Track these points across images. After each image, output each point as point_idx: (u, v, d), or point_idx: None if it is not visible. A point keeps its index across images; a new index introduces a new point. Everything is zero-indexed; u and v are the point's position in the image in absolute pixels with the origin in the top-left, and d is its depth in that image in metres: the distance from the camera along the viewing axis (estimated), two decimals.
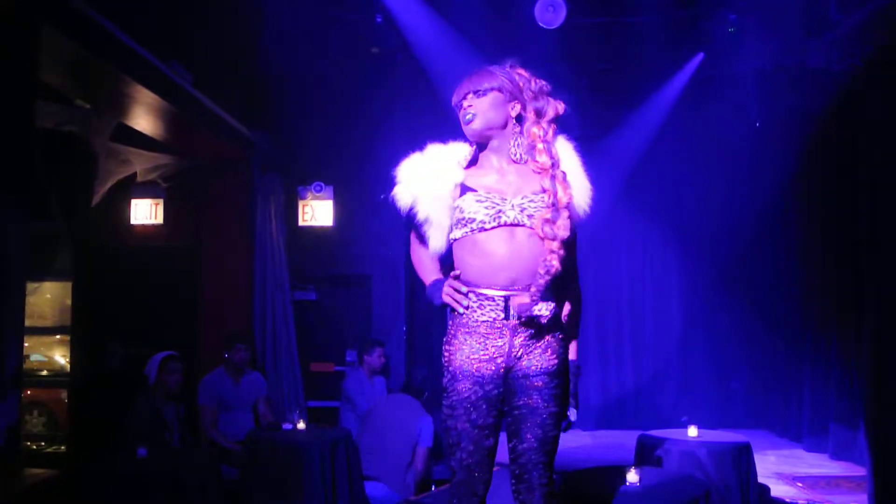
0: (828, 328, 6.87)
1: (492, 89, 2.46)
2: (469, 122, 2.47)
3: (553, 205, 2.38)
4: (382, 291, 7.24)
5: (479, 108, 2.46)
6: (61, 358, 6.88)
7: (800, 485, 5.74)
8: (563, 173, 2.45)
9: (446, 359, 2.45)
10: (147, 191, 6.92)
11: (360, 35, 6.44)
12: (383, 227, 7.05)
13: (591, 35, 6.55)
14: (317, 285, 7.28)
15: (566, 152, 2.53)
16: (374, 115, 7.16)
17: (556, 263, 2.34)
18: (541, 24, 5.89)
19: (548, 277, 2.34)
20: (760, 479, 4.96)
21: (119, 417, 4.71)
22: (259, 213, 6.71)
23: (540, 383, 2.40)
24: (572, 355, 2.60)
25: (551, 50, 6.43)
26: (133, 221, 6.96)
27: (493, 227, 2.38)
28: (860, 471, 5.69)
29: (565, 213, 2.38)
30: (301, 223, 7.09)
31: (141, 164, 6.51)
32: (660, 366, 8.34)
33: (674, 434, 4.92)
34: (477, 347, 2.39)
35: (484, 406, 2.39)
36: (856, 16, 5.43)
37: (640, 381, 8.34)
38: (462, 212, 2.41)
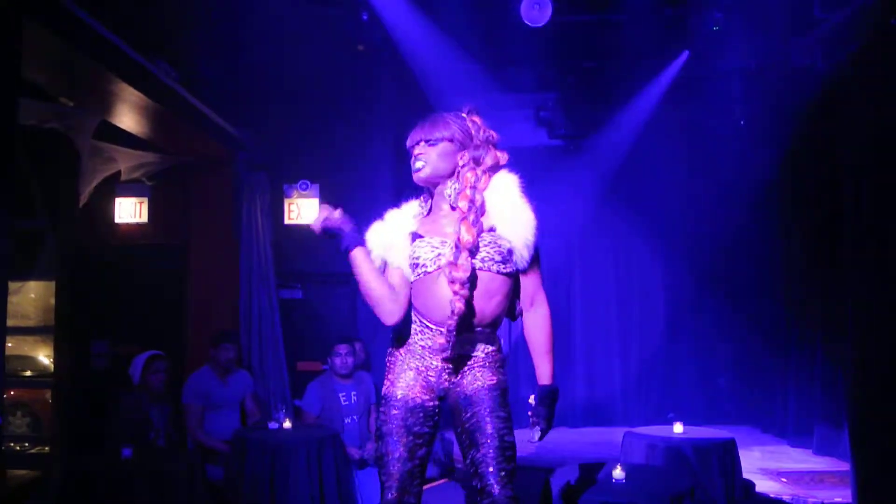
0: (813, 326, 6.92)
1: (443, 139, 2.59)
2: (417, 170, 2.61)
3: (455, 246, 2.46)
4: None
5: (428, 158, 2.59)
6: (45, 358, 6.82)
7: (784, 480, 5.78)
8: (476, 216, 2.50)
9: (390, 360, 2.63)
10: (132, 189, 6.88)
11: (346, 33, 6.42)
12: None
13: (577, 33, 6.56)
14: (303, 283, 7.26)
15: (508, 188, 2.58)
16: (360, 113, 7.15)
17: (459, 305, 2.41)
18: (526, 23, 5.90)
19: (455, 318, 2.42)
20: (745, 475, 5.00)
21: (104, 418, 4.69)
22: (245, 211, 6.68)
23: (483, 395, 2.51)
24: (546, 379, 2.63)
25: (537, 48, 6.44)
26: (118, 220, 6.92)
27: (434, 270, 2.50)
28: (844, 466, 5.73)
29: (464, 255, 2.44)
30: (287, 221, 7.07)
31: (125, 162, 6.46)
32: (646, 363, 8.38)
33: (660, 431, 4.95)
34: (418, 361, 2.56)
35: (420, 413, 2.52)
36: (839, 14, 5.47)
37: (626, 378, 8.37)
38: (413, 257, 2.56)
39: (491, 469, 2.44)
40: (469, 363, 2.55)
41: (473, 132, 2.63)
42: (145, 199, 6.92)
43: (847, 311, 5.40)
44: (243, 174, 6.76)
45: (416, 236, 2.59)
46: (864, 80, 5.13)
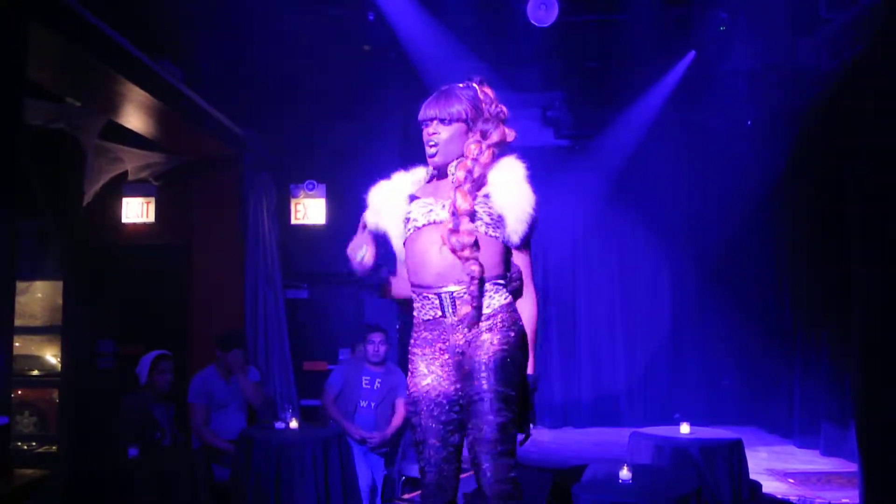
0: (818, 325, 6.90)
1: (458, 119, 2.55)
2: (432, 155, 2.60)
3: (453, 213, 2.45)
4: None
5: (441, 139, 2.56)
6: (52, 358, 6.85)
7: (791, 481, 5.76)
8: (473, 186, 2.49)
9: (409, 358, 2.60)
10: (138, 189, 6.90)
11: (352, 32, 6.43)
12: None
13: (583, 33, 6.55)
14: (309, 284, 7.26)
15: (512, 169, 2.55)
16: (367, 113, 7.15)
17: (474, 268, 2.41)
18: (533, 23, 5.89)
19: (475, 282, 2.41)
20: (752, 476, 4.99)
21: (110, 417, 4.69)
22: (251, 211, 6.69)
23: (485, 367, 2.41)
24: (529, 369, 2.53)
25: (543, 48, 6.43)
26: (124, 220, 6.94)
27: (424, 225, 2.52)
28: (851, 467, 5.71)
29: (465, 220, 2.43)
30: (293, 221, 7.07)
31: (132, 162, 6.48)
32: (651, 363, 8.37)
33: (666, 431, 4.94)
34: (428, 346, 2.53)
35: (444, 402, 2.48)
36: (845, 14, 5.45)
37: (632, 378, 8.36)
38: (406, 214, 2.60)
39: (482, 454, 2.37)
40: (476, 327, 2.46)
41: (485, 106, 2.59)
42: (152, 199, 6.93)
43: (853, 310, 5.38)
44: (249, 174, 6.77)
45: (412, 198, 2.62)
46: (869, 79, 5.11)
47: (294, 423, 4.78)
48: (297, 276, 7.15)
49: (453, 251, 2.42)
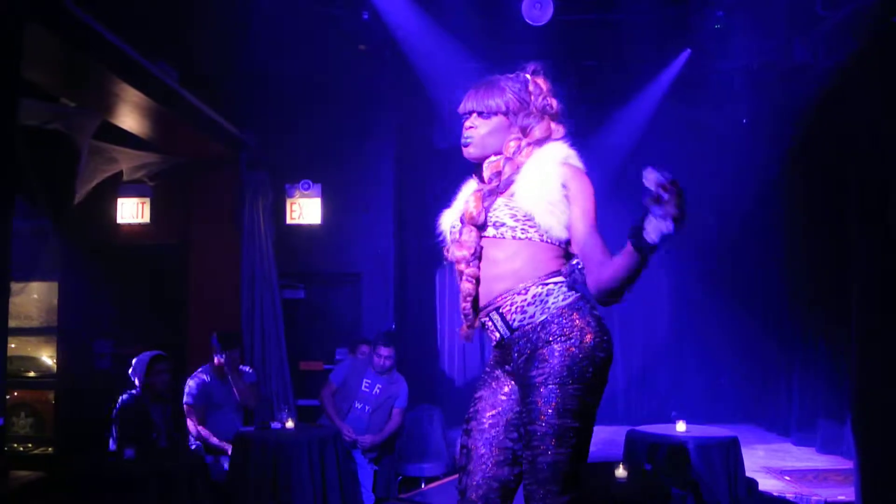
0: (816, 324, 6.91)
1: (497, 112, 2.30)
2: (466, 146, 2.33)
3: (461, 221, 2.25)
4: (372, 289, 7.22)
5: (476, 133, 2.30)
6: (48, 359, 6.84)
7: (788, 478, 5.77)
8: (495, 188, 2.24)
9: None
10: (134, 189, 6.89)
11: (348, 32, 6.42)
12: (372, 225, 7.04)
13: (579, 32, 6.55)
14: (305, 283, 7.26)
15: (549, 156, 2.27)
16: (362, 112, 7.15)
17: (466, 286, 2.18)
18: (528, 21, 5.89)
19: (467, 302, 2.19)
20: (748, 473, 4.99)
21: (106, 418, 4.69)
22: (247, 211, 6.68)
23: (533, 398, 2.08)
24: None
25: (538, 47, 6.42)
26: (120, 220, 6.93)
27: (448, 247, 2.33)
28: (848, 464, 5.72)
29: (467, 230, 2.20)
30: (289, 221, 7.07)
31: (127, 162, 6.47)
32: (649, 362, 8.38)
33: (662, 429, 4.94)
34: (491, 364, 2.29)
35: (501, 426, 2.18)
36: (842, 11, 5.46)
37: (629, 377, 8.37)
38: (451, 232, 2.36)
39: (527, 494, 2.06)
40: (522, 342, 2.14)
41: (532, 98, 2.34)
42: (147, 200, 6.92)
43: (851, 308, 5.39)
44: (245, 174, 6.76)
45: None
46: (866, 77, 5.12)
47: (290, 423, 4.78)
48: (294, 275, 7.15)
49: (455, 263, 2.19)
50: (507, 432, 2.17)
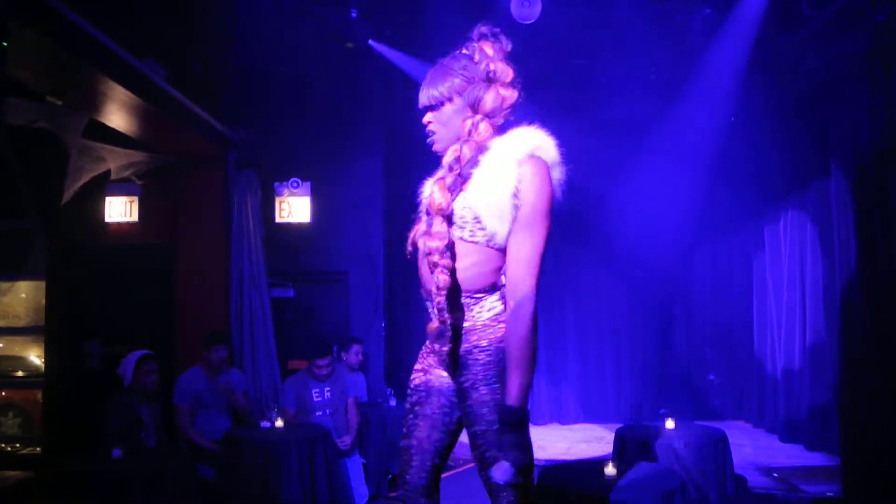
0: (802, 319, 6.95)
1: (444, 101, 2.19)
2: (432, 145, 2.25)
3: (427, 212, 2.15)
4: (360, 288, 7.22)
5: (435, 128, 2.23)
6: (36, 358, 6.80)
7: (776, 475, 5.80)
8: (457, 175, 2.13)
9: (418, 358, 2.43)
10: (122, 188, 6.85)
11: (335, 30, 6.41)
12: (361, 223, 7.04)
13: (567, 30, 6.55)
14: (294, 282, 7.25)
15: (507, 142, 2.13)
16: (351, 111, 7.14)
17: (442, 277, 2.08)
18: (516, 19, 5.89)
19: (442, 294, 2.09)
20: (737, 470, 5.01)
21: (95, 418, 4.67)
22: (236, 210, 6.66)
23: (468, 402, 2.15)
24: (509, 398, 2.02)
25: (527, 45, 6.42)
26: (108, 219, 6.89)
27: (412, 238, 2.30)
28: (835, 461, 5.76)
29: (437, 220, 2.10)
30: (278, 220, 7.06)
31: (115, 161, 6.44)
32: (638, 360, 8.40)
33: (652, 427, 4.95)
34: (428, 353, 2.33)
35: (436, 416, 2.28)
36: (828, 11, 5.48)
37: (619, 375, 8.39)
38: None
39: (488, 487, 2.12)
40: (466, 356, 2.15)
41: (478, 68, 2.19)
42: (135, 198, 6.88)
43: (837, 304, 5.42)
44: (234, 173, 6.74)
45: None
46: (852, 76, 5.15)
47: (280, 423, 4.78)
48: (283, 274, 7.14)
49: (427, 255, 2.11)
50: (441, 420, 2.26)
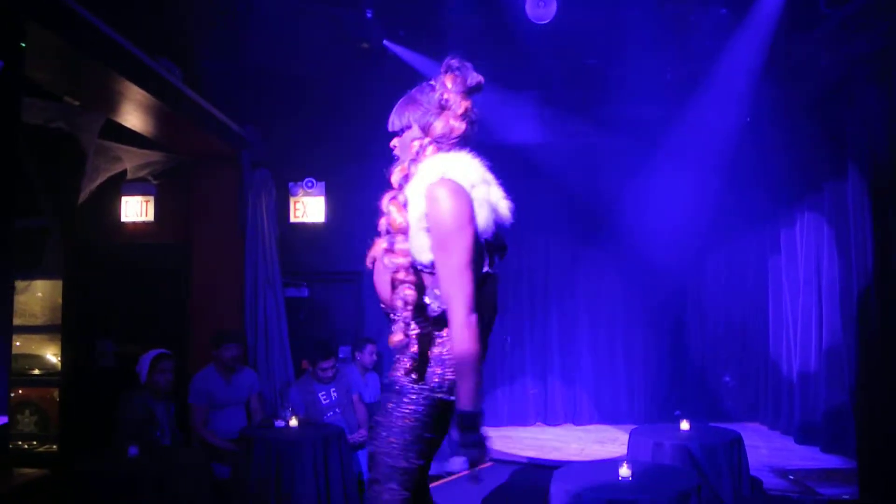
0: (818, 321, 6.90)
1: (406, 126, 2.36)
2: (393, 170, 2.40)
3: (387, 231, 2.30)
4: (374, 287, 7.23)
5: (399, 152, 2.40)
6: (52, 357, 6.85)
7: (791, 477, 5.76)
8: (407, 195, 2.27)
9: None
10: (137, 188, 6.90)
11: (350, 30, 6.41)
12: (375, 223, 7.04)
13: (582, 30, 6.53)
14: (309, 282, 7.27)
15: (435, 163, 2.26)
16: (366, 111, 7.11)
17: (409, 293, 2.22)
18: (531, 19, 5.88)
19: (409, 308, 2.22)
20: (752, 472, 4.99)
21: (110, 416, 4.70)
22: (250, 209, 6.69)
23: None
24: (460, 403, 2.18)
25: (541, 45, 6.42)
26: (124, 219, 6.94)
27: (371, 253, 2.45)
28: (851, 463, 5.71)
29: (400, 239, 2.25)
30: (293, 219, 7.07)
31: (131, 161, 6.48)
32: (652, 360, 8.36)
33: (667, 428, 4.94)
34: None
35: None
36: (845, 9, 5.44)
37: (633, 375, 8.35)
38: None
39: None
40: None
41: (436, 96, 2.34)
42: (151, 198, 6.93)
43: (853, 308, 5.38)
44: (248, 172, 6.77)
45: None
46: (869, 75, 5.11)
47: (294, 422, 4.79)
48: (297, 274, 7.15)
49: (393, 273, 2.26)
50: None
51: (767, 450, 6.74)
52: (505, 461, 6.30)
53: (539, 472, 5.76)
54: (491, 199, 2.27)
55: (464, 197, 2.17)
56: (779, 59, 6.49)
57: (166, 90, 5.17)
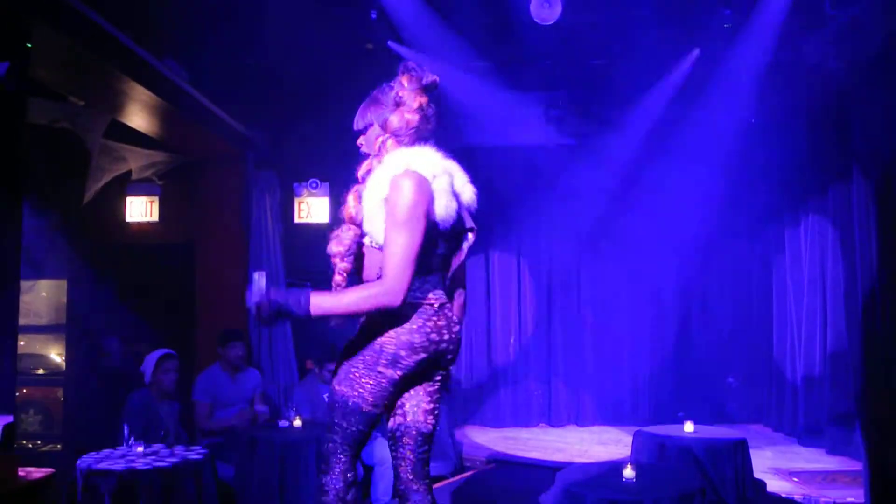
0: (823, 322, 6.88)
1: (368, 125, 2.54)
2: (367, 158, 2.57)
3: (342, 216, 2.53)
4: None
5: (366, 150, 2.57)
6: (57, 356, 6.87)
7: (796, 480, 5.74)
8: (363, 188, 2.47)
9: None
10: (142, 188, 6.91)
11: (355, 31, 6.42)
12: None
13: (587, 31, 6.53)
14: (313, 282, 7.25)
15: (394, 157, 2.44)
16: None
17: (338, 278, 2.55)
18: (536, 20, 5.87)
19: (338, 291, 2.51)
20: (757, 475, 4.97)
21: (114, 415, 4.70)
22: (255, 210, 6.70)
23: None
24: (302, 307, 2.47)
25: (547, 46, 6.41)
26: (128, 219, 6.95)
27: None
28: (857, 465, 5.70)
29: (344, 228, 2.52)
30: (297, 220, 7.08)
31: (136, 161, 6.50)
32: (656, 362, 8.35)
33: (670, 430, 4.93)
34: None
35: None
36: (851, 10, 5.43)
37: (636, 377, 8.35)
38: None
39: None
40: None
41: (392, 96, 2.54)
42: (156, 198, 6.95)
43: (857, 309, 5.37)
44: (253, 173, 6.78)
45: None
46: (874, 77, 5.10)
47: (298, 422, 4.79)
48: (301, 274, 7.14)
49: (331, 258, 2.53)
50: None
51: (772, 451, 6.72)
52: (508, 462, 6.30)
53: (542, 473, 5.76)
54: (454, 189, 2.45)
55: (424, 190, 2.34)
56: (784, 61, 6.48)
57: (172, 91, 5.19)
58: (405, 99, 2.51)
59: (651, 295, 8.44)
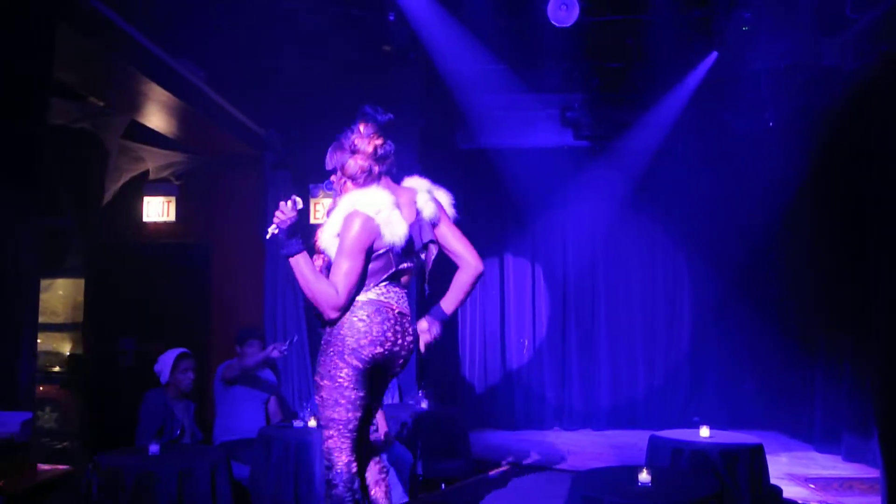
0: (841, 329, 6.83)
1: (333, 170, 3.08)
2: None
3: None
4: None
5: (336, 187, 3.10)
6: (73, 354, 6.91)
7: (812, 486, 5.70)
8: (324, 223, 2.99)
9: None
10: (160, 188, 6.96)
11: (373, 33, 6.43)
12: None
13: (604, 34, 6.52)
14: None
15: (344, 205, 2.96)
16: (386, 113, 7.15)
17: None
18: (553, 23, 5.86)
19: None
20: (772, 481, 4.94)
21: (131, 414, 4.73)
22: (271, 210, 6.71)
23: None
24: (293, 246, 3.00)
25: (564, 49, 6.41)
26: (145, 219, 6.99)
27: None
28: (873, 472, 5.65)
29: (316, 256, 3.03)
30: (313, 221, 7.09)
31: (153, 161, 6.54)
32: (672, 366, 8.31)
33: (686, 435, 4.90)
34: None
35: None
36: (871, 14, 5.39)
37: (651, 381, 8.31)
38: None
39: None
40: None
41: (348, 143, 3.05)
42: (173, 198, 6.99)
43: (875, 315, 5.32)
44: (269, 174, 6.80)
45: None
46: (894, 80, 5.06)
47: (312, 422, 4.79)
48: None
49: None
50: None
51: (788, 457, 6.68)
52: (523, 466, 6.29)
53: (557, 476, 5.74)
54: (400, 219, 2.95)
55: (366, 228, 2.88)
56: (804, 63, 6.44)
57: (190, 92, 5.22)
58: (359, 146, 3.04)
59: (666, 298, 8.41)
